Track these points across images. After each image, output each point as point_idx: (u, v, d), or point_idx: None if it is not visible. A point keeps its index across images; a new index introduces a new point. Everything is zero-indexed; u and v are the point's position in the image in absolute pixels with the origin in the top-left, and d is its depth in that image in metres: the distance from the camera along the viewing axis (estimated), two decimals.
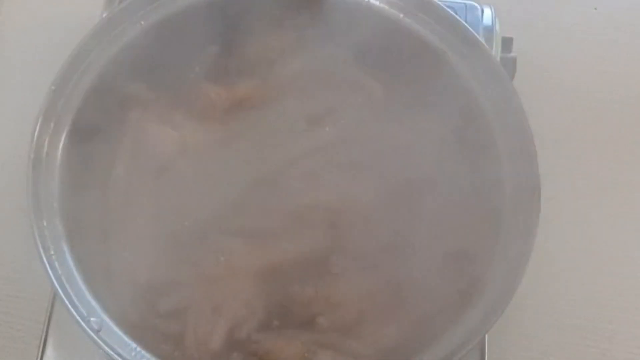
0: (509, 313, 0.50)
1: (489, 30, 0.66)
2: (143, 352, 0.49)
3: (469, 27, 0.58)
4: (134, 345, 0.49)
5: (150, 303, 0.53)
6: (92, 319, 0.49)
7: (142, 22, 0.57)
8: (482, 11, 0.67)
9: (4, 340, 0.64)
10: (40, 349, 0.58)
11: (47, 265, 0.50)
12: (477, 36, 0.58)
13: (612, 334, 0.64)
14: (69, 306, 0.49)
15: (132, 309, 0.53)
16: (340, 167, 0.58)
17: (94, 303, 0.50)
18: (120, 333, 0.49)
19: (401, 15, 0.59)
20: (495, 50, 0.65)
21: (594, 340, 0.64)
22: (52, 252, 0.51)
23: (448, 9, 0.58)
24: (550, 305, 0.65)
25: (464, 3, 0.67)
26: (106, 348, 0.48)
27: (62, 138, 0.54)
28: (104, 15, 0.61)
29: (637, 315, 0.64)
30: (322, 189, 0.57)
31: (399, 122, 0.60)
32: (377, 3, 0.59)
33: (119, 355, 0.48)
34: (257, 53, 0.61)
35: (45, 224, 0.51)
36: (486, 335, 0.54)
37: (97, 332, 0.48)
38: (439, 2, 0.59)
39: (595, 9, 0.79)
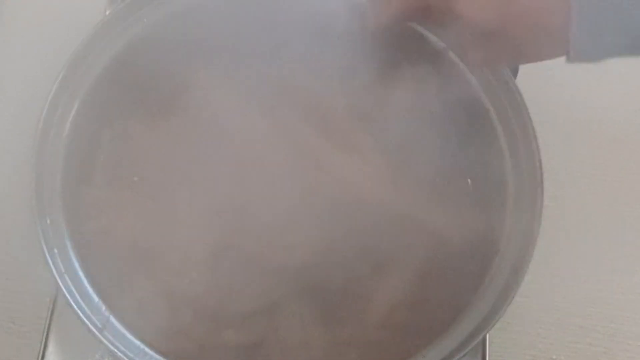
0: (511, 311, 0.50)
1: None
2: (147, 349, 0.49)
3: None
4: (137, 342, 0.49)
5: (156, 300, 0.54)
6: (96, 317, 0.49)
7: (145, 20, 0.57)
8: None
9: (6, 335, 0.64)
10: (43, 344, 0.59)
11: (51, 263, 0.50)
12: None
13: (613, 333, 0.64)
14: (73, 304, 0.49)
15: (137, 307, 0.53)
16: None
17: (97, 301, 0.50)
18: (124, 331, 0.49)
19: None
20: None
21: (595, 338, 0.64)
22: (56, 250, 0.51)
23: None
24: (551, 304, 0.65)
25: None
26: (111, 347, 0.48)
27: (65, 135, 0.55)
28: (107, 12, 0.62)
29: (638, 314, 0.65)
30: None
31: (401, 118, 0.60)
32: None
33: (124, 353, 0.48)
34: None
35: (48, 221, 0.52)
36: (487, 334, 0.54)
37: (101, 330, 0.49)
38: None
39: None
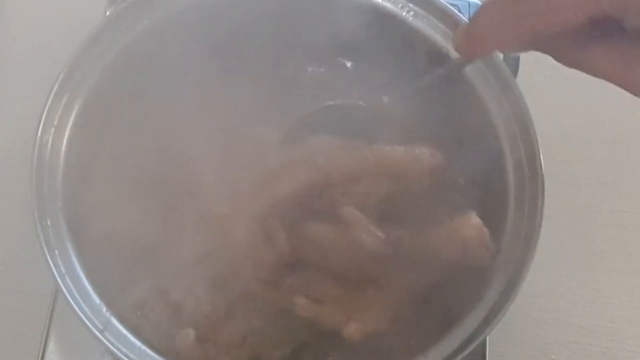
0: (511, 311, 0.50)
1: None
2: (148, 350, 0.49)
3: None
4: (139, 344, 0.49)
5: (154, 300, 0.54)
6: (97, 318, 0.49)
7: (145, 21, 0.57)
8: None
9: (6, 335, 0.64)
10: (43, 344, 0.59)
11: (52, 265, 0.50)
12: None
13: (613, 332, 0.64)
14: (74, 306, 0.49)
15: (138, 308, 0.53)
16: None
17: (98, 302, 0.50)
18: (125, 332, 0.49)
19: (404, 13, 0.59)
20: None
21: (595, 338, 0.64)
22: (56, 252, 0.51)
23: (451, 7, 0.58)
24: (551, 303, 0.65)
25: (467, 1, 0.67)
26: (112, 348, 0.48)
27: (66, 136, 0.54)
28: (108, 13, 0.62)
29: (638, 313, 0.65)
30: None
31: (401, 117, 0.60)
32: (380, 0, 0.59)
33: (124, 354, 0.48)
34: None
35: (49, 222, 0.51)
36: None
37: (102, 331, 0.48)
38: (443, 0, 0.58)
39: None
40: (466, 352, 0.49)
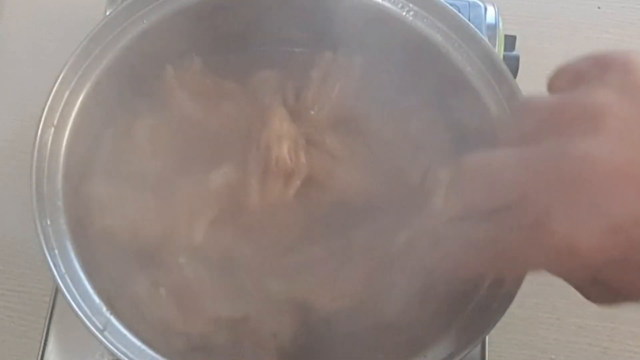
0: (511, 311, 0.50)
1: (492, 28, 0.66)
2: (148, 350, 0.49)
3: (472, 25, 0.58)
4: (139, 343, 0.49)
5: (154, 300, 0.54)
6: (96, 318, 0.49)
7: (145, 21, 0.57)
8: (486, 9, 0.67)
9: (6, 334, 0.64)
10: (42, 344, 0.59)
11: (51, 264, 0.50)
12: (481, 34, 0.57)
13: (612, 332, 0.64)
14: (74, 305, 0.49)
15: (138, 307, 0.53)
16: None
17: (98, 302, 0.50)
18: (125, 332, 0.49)
19: (403, 13, 0.59)
20: (499, 49, 0.65)
21: (594, 338, 0.64)
22: (56, 251, 0.50)
23: (451, 7, 0.58)
24: (551, 304, 0.65)
25: (467, 1, 0.67)
26: (112, 348, 0.48)
27: (66, 136, 0.54)
28: (108, 12, 0.62)
29: (637, 313, 0.65)
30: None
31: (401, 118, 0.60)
32: (379, 0, 0.59)
33: (124, 354, 0.48)
34: None
35: (48, 222, 0.51)
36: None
37: (102, 331, 0.48)
38: (443, 0, 0.58)
39: (599, 7, 0.79)
40: (466, 352, 0.49)
